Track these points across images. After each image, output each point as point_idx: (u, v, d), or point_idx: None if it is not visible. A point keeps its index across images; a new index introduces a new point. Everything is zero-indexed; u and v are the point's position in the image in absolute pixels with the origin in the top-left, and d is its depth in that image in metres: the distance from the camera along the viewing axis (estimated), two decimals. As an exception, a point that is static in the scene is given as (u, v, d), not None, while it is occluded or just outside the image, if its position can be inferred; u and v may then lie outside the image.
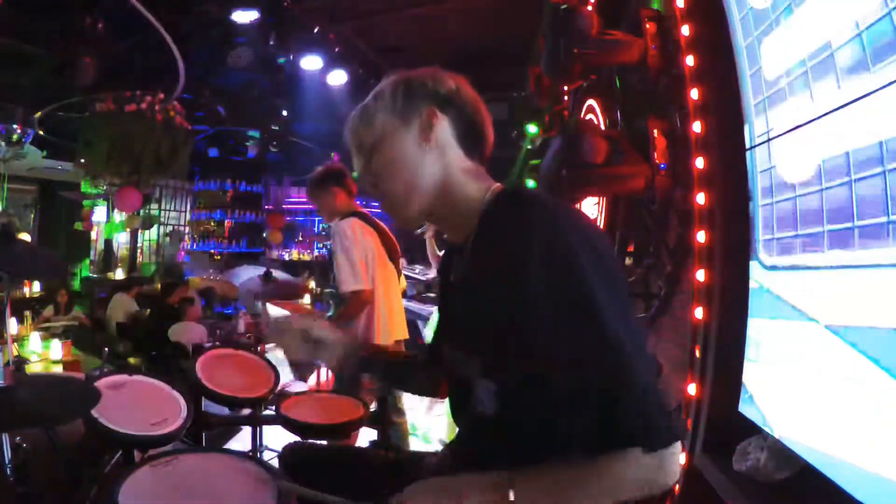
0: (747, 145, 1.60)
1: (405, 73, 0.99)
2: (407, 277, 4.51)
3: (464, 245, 0.97)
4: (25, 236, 8.08)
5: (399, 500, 0.82)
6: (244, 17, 4.74)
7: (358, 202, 2.85)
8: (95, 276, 8.94)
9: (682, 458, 0.76)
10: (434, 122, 0.93)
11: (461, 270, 0.99)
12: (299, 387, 4.23)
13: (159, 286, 5.83)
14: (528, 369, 0.80)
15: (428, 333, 4.20)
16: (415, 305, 5.09)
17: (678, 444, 0.75)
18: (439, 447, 3.45)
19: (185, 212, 10.67)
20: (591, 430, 0.74)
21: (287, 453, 1.30)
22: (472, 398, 0.92)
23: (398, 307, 2.77)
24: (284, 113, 7.57)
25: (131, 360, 3.95)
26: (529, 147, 4.92)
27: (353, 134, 1.00)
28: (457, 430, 1.13)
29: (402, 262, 3.22)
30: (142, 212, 8.41)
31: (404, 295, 3.59)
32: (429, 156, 0.94)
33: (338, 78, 5.76)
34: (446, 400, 1.27)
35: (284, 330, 1.19)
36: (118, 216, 8.13)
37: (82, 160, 6.33)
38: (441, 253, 3.95)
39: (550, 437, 0.77)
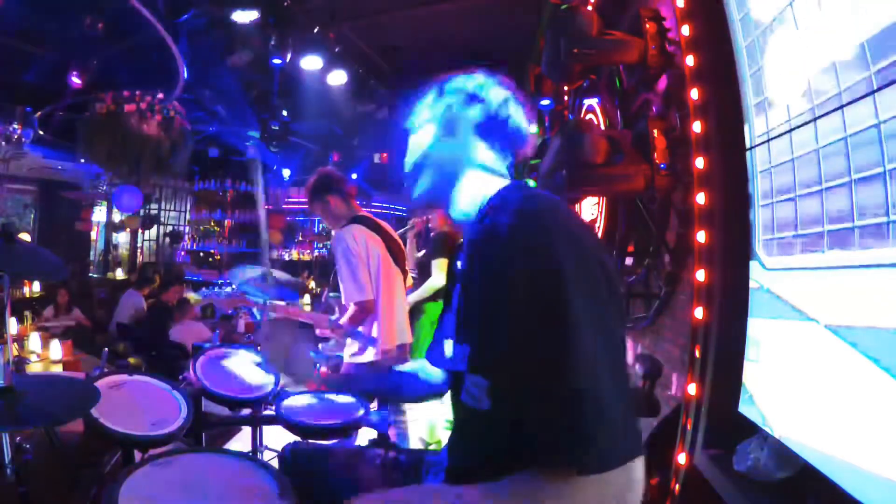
0: (747, 145, 1.60)
1: (461, 72, 1.06)
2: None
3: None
4: (25, 236, 8.07)
5: None
6: (244, 17, 4.73)
7: (358, 203, 2.84)
8: (96, 276, 8.94)
9: (637, 480, 0.76)
10: (456, 116, 1.01)
11: (463, 264, 1.00)
12: (299, 387, 4.23)
13: (157, 283, 5.83)
14: (504, 369, 0.80)
15: None
16: None
17: (630, 467, 0.74)
18: (421, 445, 3.45)
19: (185, 212, 10.67)
20: (545, 441, 0.74)
21: (287, 453, 1.30)
22: (465, 392, 0.93)
23: (402, 312, 2.76)
24: (284, 113, 7.56)
25: (131, 361, 3.95)
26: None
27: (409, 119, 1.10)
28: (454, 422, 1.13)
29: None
30: (142, 212, 8.42)
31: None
32: (448, 147, 1.01)
33: (338, 78, 5.75)
34: (425, 402, 1.29)
35: (274, 338, 1.21)
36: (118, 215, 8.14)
37: (82, 160, 6.33)
38: (420, 254, 3.95)
39: (530, 436, 0.77)
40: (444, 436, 3.56)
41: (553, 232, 0.80)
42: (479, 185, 1.00)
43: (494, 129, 1.02)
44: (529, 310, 0.77)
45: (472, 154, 1.01)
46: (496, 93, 1.02)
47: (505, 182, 1.01)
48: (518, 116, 1.03)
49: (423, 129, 1.06)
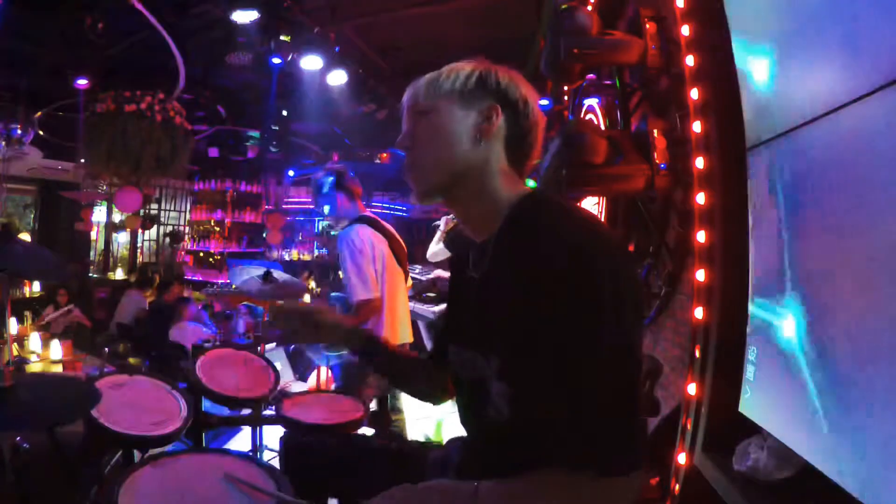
0: (747, 145, 1.60)
1: (488, 63, 1.00)
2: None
3: (485, 244, 0.98)
4: (25, 236, 8.07)
5: None
6: (244, 17, 4.73)
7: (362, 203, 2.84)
8: (96, 276, 8.94)
9: (634, 491, 0.78)
10: (494, 118, 0.95)
11: (482, 268, 0.98)
12: (299, 387, 4.23)
13: (156, 283, 5.83)
14: (533, 376, 0.80)
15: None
16: (411, 305, 5.06)
17: (635, 477, 0.76)
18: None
19: (185, 212, 10.66)
20: (563, 446, 0.76)
21: (287, 445, 1.29)
22: (485, 400, 0.92)
23: (404, 311, 2.78)
24: (284, 113, 7.56)
25: (131, 360, 3.95)
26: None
27: (412, 93, 1.02)
28: (464, 431, 1.12)
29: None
30: (142, 212, 8.41)
31: (410, 298, 3.59)
32: (473, 145, 0.95)
33: (338, 78, 5.75)
34: (433, 401, 1.27)
35: (288, 315, 1.19)
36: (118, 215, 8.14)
37: (82, 160, 6.34)
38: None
39: (551, 446, 0.78)
40: (447, 434, 3.57)
41: (592, 245, 0.80)
42: (498, 189, 0.96)
43: (519, 143, 0.98)
44: (567, 322, 0.77)
45: (494, 159, 0.97)
46: (533, 110, 0.98)
47: (524, 188, 0.98)
48: (540, 121, 1.00)
49: (444, 111, 0.96)
